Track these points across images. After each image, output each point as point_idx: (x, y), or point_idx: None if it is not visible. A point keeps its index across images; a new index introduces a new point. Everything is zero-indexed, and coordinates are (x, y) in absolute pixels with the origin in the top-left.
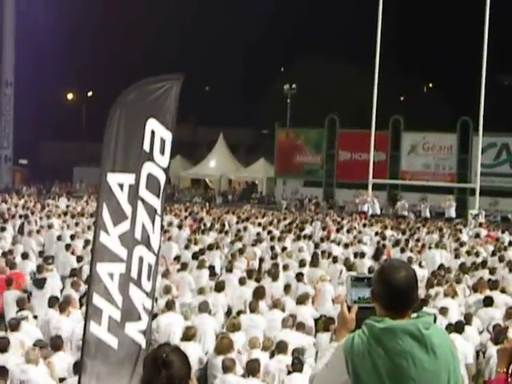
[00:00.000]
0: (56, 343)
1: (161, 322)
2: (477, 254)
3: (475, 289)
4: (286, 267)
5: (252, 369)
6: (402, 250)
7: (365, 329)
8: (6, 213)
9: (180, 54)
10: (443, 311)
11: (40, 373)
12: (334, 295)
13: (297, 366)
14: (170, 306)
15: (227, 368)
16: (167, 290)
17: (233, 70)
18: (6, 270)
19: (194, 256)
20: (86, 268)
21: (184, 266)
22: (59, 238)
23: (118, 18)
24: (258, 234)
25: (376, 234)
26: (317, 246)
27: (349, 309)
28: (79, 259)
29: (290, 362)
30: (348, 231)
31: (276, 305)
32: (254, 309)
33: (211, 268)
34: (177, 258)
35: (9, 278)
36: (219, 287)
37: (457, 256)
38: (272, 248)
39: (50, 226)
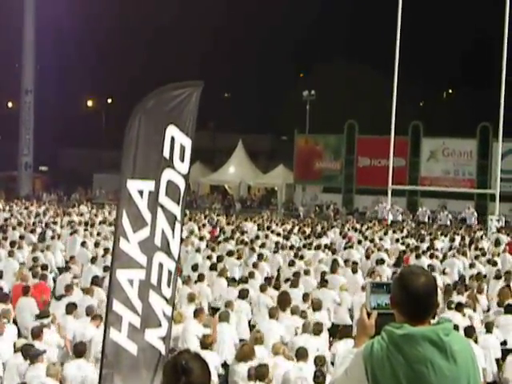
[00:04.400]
0: (79, 349)
1: (180, 330)
2: (495, 264)
3: (499, 301)
4: (306, 272)
5: (260, 374)
6: (418, 257)
7: (384, 335)
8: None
9: (199, 61)
10: (459, 308)
11: None
12: (351, 305)
13: (319, 378)
14: (196, 313)
15: (252, 376)
16: (191, 298)
17: (252, 77)
18: (29, 279)
19: (212, 267)
20: (106, 275)
21: (201, 278)
22: (83, 243)
23: (139, 25)
24: (277, 242)
25: (397, 240)
26: (335, 252)
27: (368, 315)
28: (106, 269)
29: (310, 369)
30: (368, 239)
31: (294, 311)
32: (273, 315)
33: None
34: (194, 267)
35: (26, 286)
36: (243, 294)
37: (473, 265)
38: (294, 255)
39: (72, 234)
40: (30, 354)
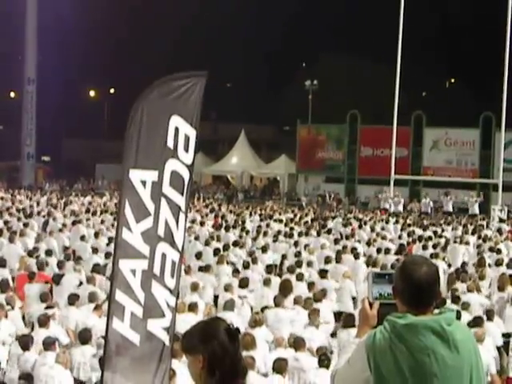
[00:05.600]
0: (84, 336)
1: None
2: (498, 251)
3: (499, 286)
4: (309, 264)
5: (279, 367)
6: (424, 247)
7: (386, 325)
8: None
9: (201, 51)
10: (465, 306)
11: (66, 375)
12: (354, 293)
13: (324, 362)
14: (192, 307)
15: (247, 365)
16: (195, 287)
17: (254, 67)
18: (32, 268)
19: (216, 253)
20: (108, 262)
21: (207, 268)
22: (83, 237)
23: (141, 15)
24: (279, 232)
25: (402, 229)
26: (337, 241)
27: (370, 305)
28: (107, 256)
29: (306, 359)
30: (371, 228)
31: (298, 302)
32: (278, 303)
33: (233, 265)
34: (198, 255)
35: (31, 273)
36: (243, 283)
37: (478, 252)
38: (295, 244)
39: (74, 223)
40: (45, 342)
